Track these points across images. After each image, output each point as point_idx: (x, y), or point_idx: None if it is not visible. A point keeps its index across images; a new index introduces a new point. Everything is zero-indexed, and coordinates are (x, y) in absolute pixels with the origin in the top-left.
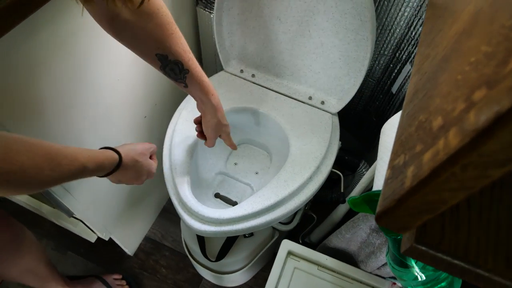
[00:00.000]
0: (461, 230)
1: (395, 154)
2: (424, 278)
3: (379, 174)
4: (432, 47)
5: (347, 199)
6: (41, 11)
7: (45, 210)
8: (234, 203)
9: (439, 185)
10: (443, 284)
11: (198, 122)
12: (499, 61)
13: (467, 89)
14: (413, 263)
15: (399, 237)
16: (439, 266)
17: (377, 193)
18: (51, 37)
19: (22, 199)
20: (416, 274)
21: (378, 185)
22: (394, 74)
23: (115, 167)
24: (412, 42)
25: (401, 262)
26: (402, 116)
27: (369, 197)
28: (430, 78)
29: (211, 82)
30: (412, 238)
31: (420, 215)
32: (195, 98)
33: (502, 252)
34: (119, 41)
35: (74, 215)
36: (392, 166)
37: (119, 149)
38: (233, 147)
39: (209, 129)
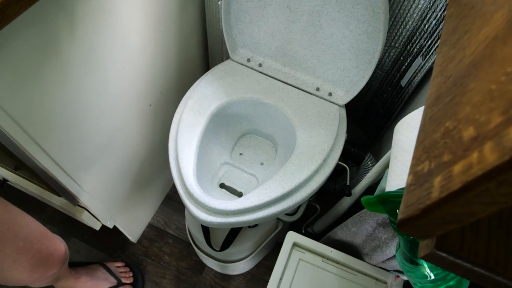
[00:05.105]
0: (481, 238)
1: (417, 159)
2: (433, 277)
3: (393, 173)
4: (457, 49)
5: (359, 196)
6: None
7: (49, 198)
8: (239, 194)
9: (470, 198)
10: (451, 283)
11: None
12: None
13: (504, 102)
14: (423, 262)
15: (411, 237)
16: (458, 272)
17: (392, 194)
18: (53, 29)
19: (26, 186)
20: (426, 273)
21: (392, 185)
22: (404, 67)
23: None
24: (425, 36)
25: (411, 260)
26: (423, 119)
27: (383, 198)
28: (456, 83)
29: None
30: (432, 245)
31: (445, 225)
32: None
33: None
34: None
35: (79, 204)
36: (414, 172)
37: None
38: None
39: None
